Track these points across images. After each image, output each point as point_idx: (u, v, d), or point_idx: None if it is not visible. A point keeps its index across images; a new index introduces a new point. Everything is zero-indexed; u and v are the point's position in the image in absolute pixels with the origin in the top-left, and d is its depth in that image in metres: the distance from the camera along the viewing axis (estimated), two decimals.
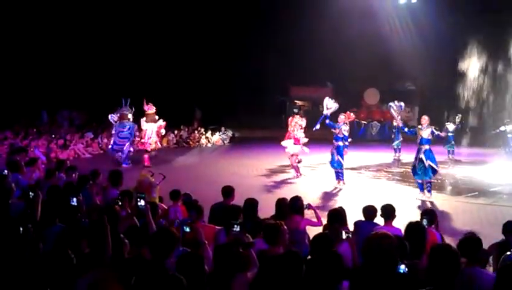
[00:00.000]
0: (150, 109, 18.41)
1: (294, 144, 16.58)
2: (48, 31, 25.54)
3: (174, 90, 28.10)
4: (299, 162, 17.33)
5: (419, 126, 13.78)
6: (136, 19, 27.98)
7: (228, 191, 8.16)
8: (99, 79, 27.24)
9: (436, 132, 13.63)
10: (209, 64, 29.80)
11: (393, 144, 21.80)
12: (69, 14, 26.23)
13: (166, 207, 8.22)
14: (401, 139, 21.35)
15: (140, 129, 18.63)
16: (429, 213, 7.18)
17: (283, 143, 16.83)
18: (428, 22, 28.63)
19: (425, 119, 13.68)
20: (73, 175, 9.28)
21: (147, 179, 8.56)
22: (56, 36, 26.06)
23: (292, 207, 7.42)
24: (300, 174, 16.86)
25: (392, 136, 22.21)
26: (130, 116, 18.44)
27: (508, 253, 5.26)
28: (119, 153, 18.18)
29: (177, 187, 8.68)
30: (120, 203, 6.46)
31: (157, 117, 18.49)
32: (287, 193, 9.56)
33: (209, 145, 26.85)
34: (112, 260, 4.75)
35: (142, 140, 18.40)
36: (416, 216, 7.52)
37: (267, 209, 7.81)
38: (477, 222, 10.91)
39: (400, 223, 6.66)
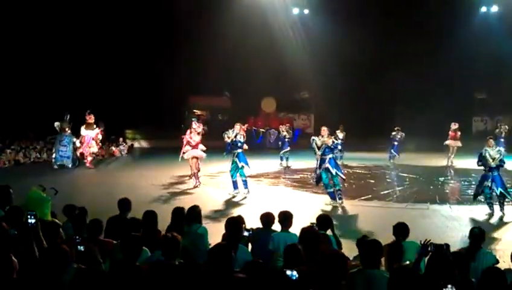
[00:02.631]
0: (90, 119, 21.36)
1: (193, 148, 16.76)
2: None
3: (72, 102, 27.21)
4: (198, 171, 17.45)
5: (321, 137, 14.05)
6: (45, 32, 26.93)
7: (125, 204, 7.96)
8: None
9: (336, 142, 14.08)
10: (109, 74, 29.08)
11: (281, 153, 22.54)
12: None
13: (60, 223, 7.87)
14: (289, 149, 22.49)
15: (79, 135, 21.50)
16: (323, 218, 7.35)
17: (185, 155, 16.91)
18: (320, 32, 29.74)
19: (325, 130, 14.06)
20: None
21: (37, 193, 8.15)
22: None
23: (191, 215, 7.38)
24: (200, 183, 16.85)
25: (280, 143, 23.22)
26: (67, 129, 21.30)
27: (408, 262, 5.50)
28: (65, 159, 21.19)
29: (72, 201, 8.37)
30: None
31: (94, 126, 21.48)
32: (187, 202, 9.48)
33: (106, 157, 26.14)
34: None
35: (83, 145, 21.38)
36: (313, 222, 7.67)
37: (168, 220, 7.68)
38: (371, 224, 11.32)
39: (298, 229, 6.79)
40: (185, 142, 17.12)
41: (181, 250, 5.29)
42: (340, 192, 13.82)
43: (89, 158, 21.45)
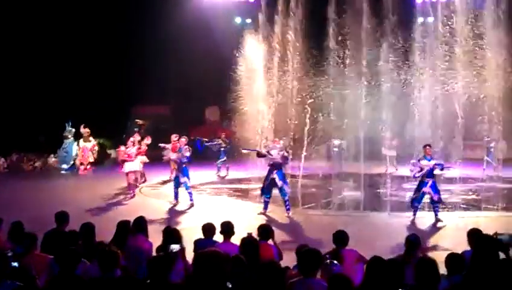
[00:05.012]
0: (86, 132, 22.94)
1: (129, 161, 16.66)
2: None
3: (9, 116, 26.42)
4: (144, 181, 17.98)
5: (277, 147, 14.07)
6: None
7: (62, 217, 7.76)
8: None
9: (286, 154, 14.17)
10: (50, 86, 28.36)
11: (218, 162, 22.59)
12: None
13: None
14: (225, 158, 22.77)
15: (79, 146, 23.18)
16: (264, 228, 7.37)
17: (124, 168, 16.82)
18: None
19: (277, 141, 14.20)
20: None
21: None
22: None
23: (136, 227, 7.29)
24: (134, 194, 16.74)
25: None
26: (70, 136, 23.64)
27: (328, 261, 5.56)
28: (63, 163, 23.35)
29: (7, 215, 8.11)
30: None
31: (90, 138, 23.02)
32: (127, 213, 9.34)
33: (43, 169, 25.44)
34: None
35: (82, 153, 22.90)
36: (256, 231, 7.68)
37: (108, 232, 7.54)
38: (313, 232, 11.46)
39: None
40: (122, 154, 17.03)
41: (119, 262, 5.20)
42: (289, 203, 13.88)
43: (87, 166, 22.95)
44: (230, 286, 4.07)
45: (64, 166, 23.34)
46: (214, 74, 29.89)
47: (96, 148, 23.63)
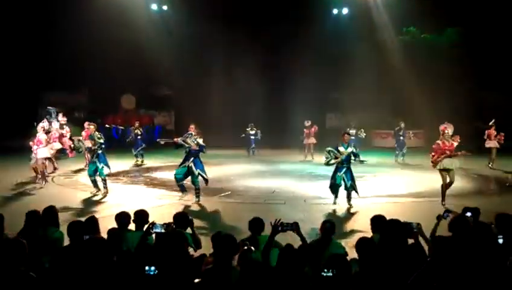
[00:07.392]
0: (63, 120, 22.13)
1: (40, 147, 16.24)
2: None
3: None
4: (54, 169, 17.68)
5: (192, 135, 14.00)
6: None
7: None
8: None
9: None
10: None
11: (135, 151, 22.45)
12: None
13: None
14: (144, 146, 22.75)
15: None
16: (180, 216, 7.28)
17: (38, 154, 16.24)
18: (179, 29, 29.78)
19: (192, 128, 14.12)
20: None
21: None
22: None
23: (46, 217, 7.02)
24: (46, 182, 16.26)
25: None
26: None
27: (245, 247, 5.62)
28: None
29: None
30: None
31: (64, 126, 21.75)
32: (38, 203, 9.01)
33: None
34: None
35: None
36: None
37: (19, 224, 7.22)
38: (231, 220, 11.52)
39: None
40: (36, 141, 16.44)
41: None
42: (199, 191, 13.88)
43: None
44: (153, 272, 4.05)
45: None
46: (130, 61, 29.38)
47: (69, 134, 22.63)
